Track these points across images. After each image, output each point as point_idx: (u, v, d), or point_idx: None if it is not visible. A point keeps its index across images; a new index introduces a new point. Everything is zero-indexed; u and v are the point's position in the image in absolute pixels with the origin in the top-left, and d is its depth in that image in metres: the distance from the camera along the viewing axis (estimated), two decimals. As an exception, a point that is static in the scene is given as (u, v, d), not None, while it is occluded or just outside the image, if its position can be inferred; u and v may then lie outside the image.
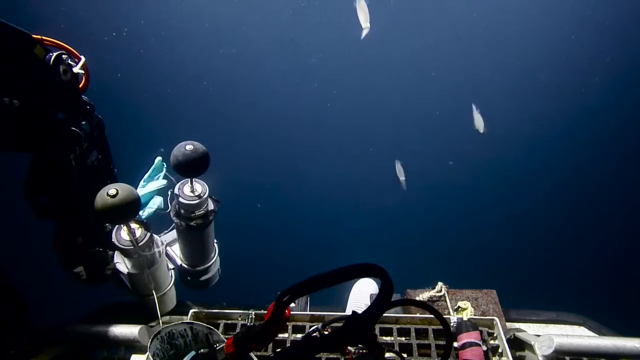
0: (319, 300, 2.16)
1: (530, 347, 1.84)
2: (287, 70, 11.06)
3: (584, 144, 10.29)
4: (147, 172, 2.21)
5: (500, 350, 1.85)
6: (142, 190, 2.09)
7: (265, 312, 1.82)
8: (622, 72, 10.06)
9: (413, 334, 1.92)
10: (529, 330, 2.11)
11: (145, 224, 1.85)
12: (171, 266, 2.28)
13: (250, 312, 1.99)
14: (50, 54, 1.54)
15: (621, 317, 3.20)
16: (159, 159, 2.16)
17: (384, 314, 1.62)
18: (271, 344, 1.90)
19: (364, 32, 5.56)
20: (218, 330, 1.61)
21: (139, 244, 1.76)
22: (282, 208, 10.71)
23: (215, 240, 2.34)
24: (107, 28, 9.18)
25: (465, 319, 1.92)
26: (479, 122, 6.35)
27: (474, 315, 2.06)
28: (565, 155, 10.37)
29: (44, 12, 8.23)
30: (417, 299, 2.19)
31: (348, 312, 2.10)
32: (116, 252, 1.93)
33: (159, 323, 1.88)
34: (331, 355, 1.82)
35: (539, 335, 1.88)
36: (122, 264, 1.87)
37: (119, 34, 9.42)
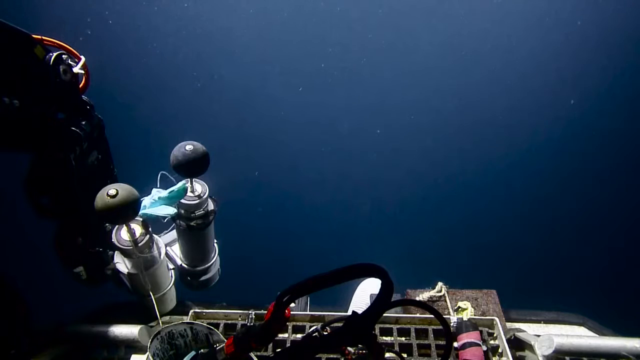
0: (320, 301, 2.16)
1: (530, 347, 1.84)
2: (287, 71, 11.06)
3: (585, 144, 10.29)
4: (164, 185, 1.99)
5: (500, 350, 1.85)
6: (151, 207, 1.92)
7: (265, 312, 1.82)
8: (623, 71, 10.05)
9: (413, 334, 1.92)
10: (529, 330, 2.11)
11: (145, 224, 1.84)
12: (171, 266, 2.28)
13: (250, 312, 1.99)
14: (50, 54, 1.54)
15: (621, 317, 3.19)
16: (183, 183, 1.92)
17: (384, 314, 1.63)
18: (271, 344, 1.90)
19: None
20: (218, 330, 1.61)
21: (139, 244, 1.76)
22: (282, 208, 10.71)
23: (215, 241, 2.34)
24: (107, 27, 9.18)
25: (465, 319, 1.92)
26: None
27: (474, 315, 2.06)
28: (566, 155, 10.37)
29: (44, 11, 8.23)
30: (417, 299, 2.19)
31: (349, 312, 2.11)
32: (116, 252, 1.93)
33: (159, 323, 1.88)
34: (331, 356, 1.82)
35: (539, 335, 1.88)
36: (122, 264, 1.87)
37: (120, 34, 9.43)
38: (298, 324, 1.98)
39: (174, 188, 1.92)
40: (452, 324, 1.88)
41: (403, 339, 1.92)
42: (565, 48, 10.17)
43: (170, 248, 2.36)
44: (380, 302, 1.01)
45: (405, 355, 1.83)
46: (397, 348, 1.87)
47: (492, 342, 1.88)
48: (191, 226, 1.96)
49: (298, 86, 11.12)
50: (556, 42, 10.15)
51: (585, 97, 10.39)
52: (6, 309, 1.66)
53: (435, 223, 10.37)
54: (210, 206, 2.03)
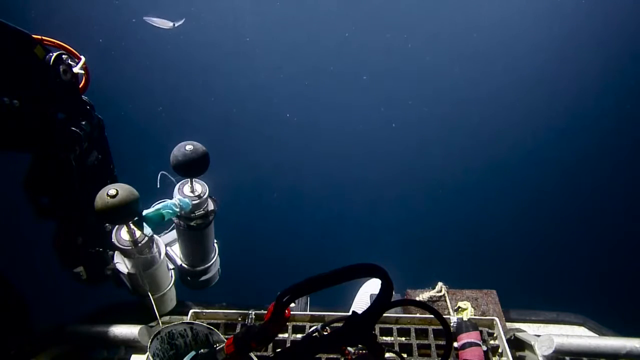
0: (320, 301, 2.16)
1: (530, 347, 1.84)
2: (290, 72, 11.06)
3: (584, 144, 10.29)
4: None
5: (500, 350, 1.85)
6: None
7: (265, 312, 1.82)
8: (622, 71, 10.05)
9: (413, 334, 1.92)
10: (529, 330, 2.10)
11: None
12: (171, 266, 2.28)
13: (250, 312, 1.99)
14: (50, 54, 1.54)
15: (621, 317, 3.19)
16: (157, 208, 1.78)
17: (384, 314, 1.62)
18: (271, 344, 1.90)
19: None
20: (218, 330, 1.61)
21: (139, 245, 1.75)
22: (282, 208, 10.71)
23: (215, 240, 2.34)
24: (109, 29, 9.18)
25: (465, 319, 1.92)
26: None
27: (474, 315, 2.06)
28: (566, 155, 10.37)
29: (44, 11, 8.23)
30: (417, 299, 2.19)
31: (350, 312, 2.10)
32: (116, 252, 1.93)
33: (159, 323, 1.88)
34: (331, 356, 1.82)
35: (539, 335, 1.88)
36: (122, 264, 1.87)
37: (124, 35, 9.42)
38: (298, 324, 1.98)
39: (149, 211, 1.75)
40: (452, 324, 1.87)
41: (403, 339, 1.92)
42: (568, 44, 10.17)
43: (170, 248, 2.36)
44: (380, 302, 1.01)
45: (405, 355, 1.83)
46: (397, 348, 1.87)
47: (492, 342, 1.88)
48: (191, 226, 1.96)
49: (303, 84, 11.10)
50: (561, 36, 10.15)
51: (585, 97, 10.39)
52: (5, 309, 1.66)
53: (436, 223, 10.37)
54: (210, 206, 2.02)
